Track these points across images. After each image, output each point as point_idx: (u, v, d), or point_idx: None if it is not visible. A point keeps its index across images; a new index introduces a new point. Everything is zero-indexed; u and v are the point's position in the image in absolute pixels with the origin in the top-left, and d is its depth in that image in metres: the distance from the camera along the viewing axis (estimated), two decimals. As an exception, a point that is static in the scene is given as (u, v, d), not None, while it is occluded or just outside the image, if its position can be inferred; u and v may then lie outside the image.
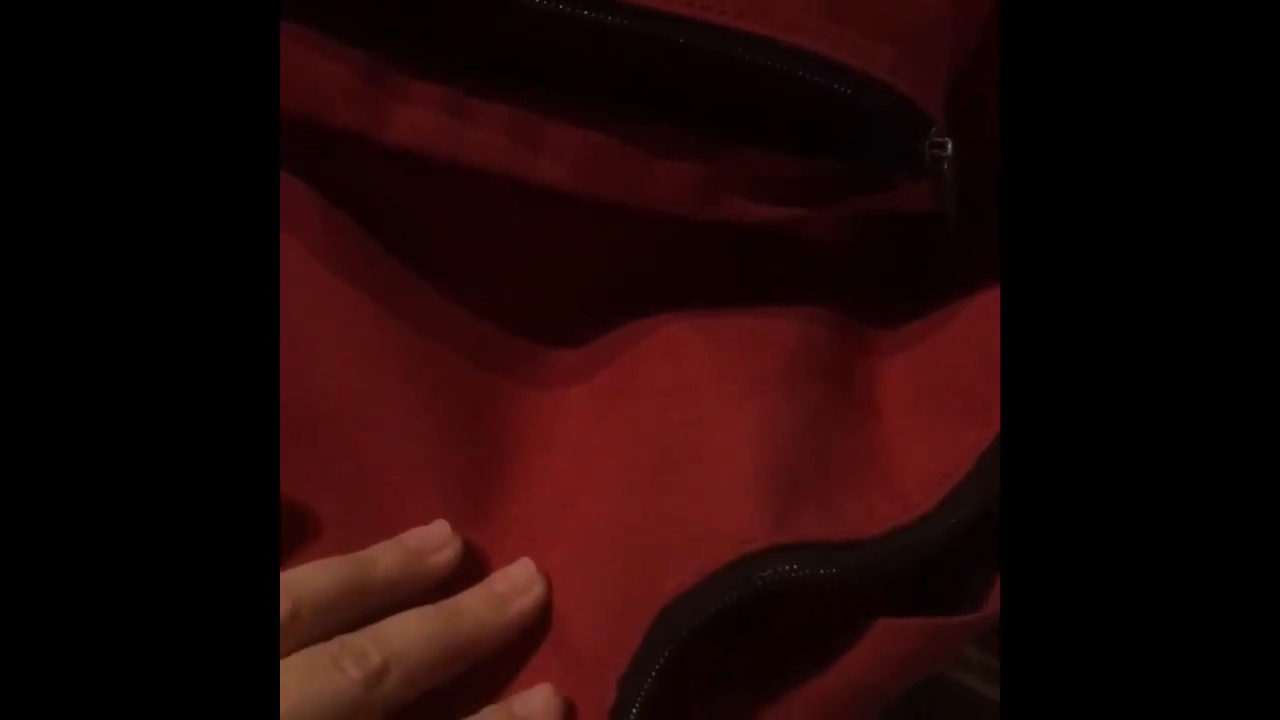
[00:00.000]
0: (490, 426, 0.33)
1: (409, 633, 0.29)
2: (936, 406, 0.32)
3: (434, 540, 0.31)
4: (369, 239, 0.33)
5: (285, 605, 0.28)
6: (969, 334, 0.33)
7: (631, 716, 0.27)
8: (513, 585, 0.31)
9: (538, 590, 0.31)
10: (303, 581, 0.29)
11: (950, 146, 0.30)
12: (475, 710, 0.29)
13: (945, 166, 0.31)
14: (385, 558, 0.30)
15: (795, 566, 0.28)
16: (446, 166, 0.31)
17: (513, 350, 0.34)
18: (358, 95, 0.31)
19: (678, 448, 0.31)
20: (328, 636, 0.28)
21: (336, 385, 0.32)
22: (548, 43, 0.30)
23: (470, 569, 0.31)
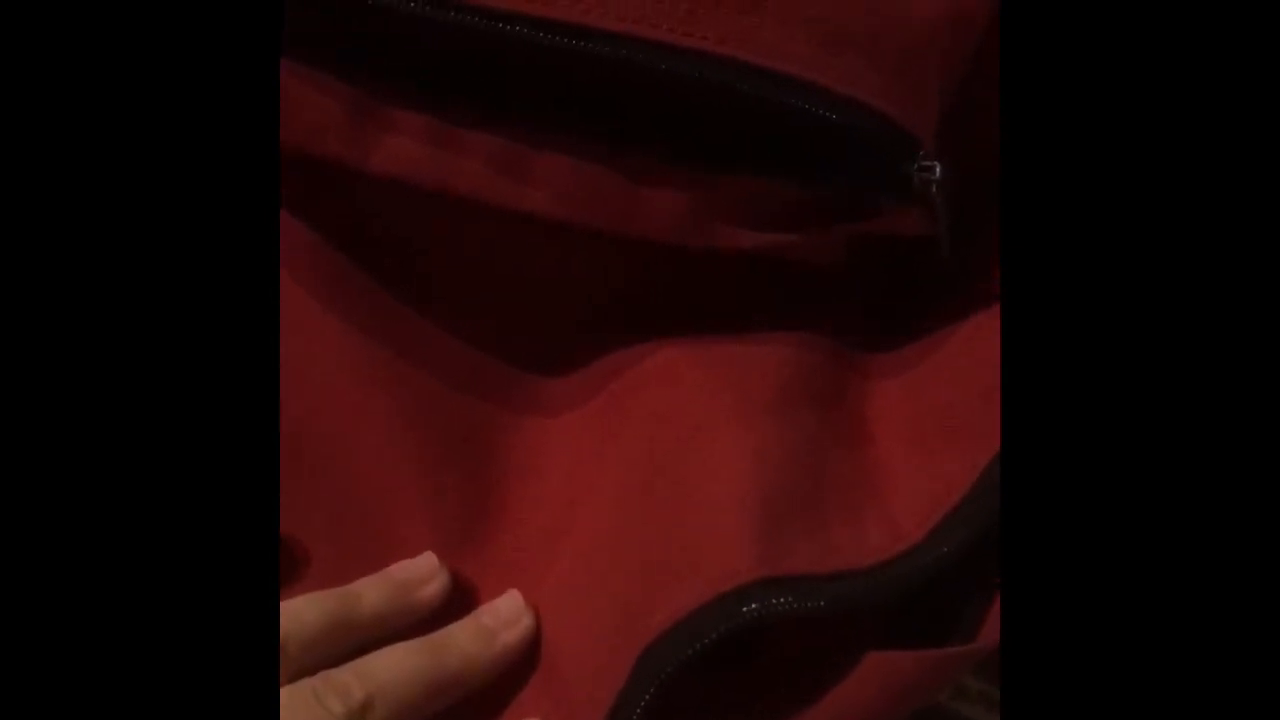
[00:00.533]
0: (482, 455, 0.33)
1: (394, 667, 0.28)
2: (930, 432, 0.32)
3: (421, 573, 0.31)
4: (359, 269, 0.33)
5: None
6: (963, 358, 0.33)
7: None
8: (500, 619, 0.30)
9: (525, 624, 0.30)
10: (288, 616, 0.28)
11: (939, 169, 0.30)
12: None
13: (934, 190, 0.30)
14: (371, 592, 0.30)
15: (783, 600, 0.27)
16: (434, 195, 0.31)
17: (505, 378, 0.34)
18: (344, 126, 0.31)
19: (669, 476, 0.31)
20: (313, 671, 0.28)
21: (326, 415, 0.32)
22: (533, 72, 0.30)
23: (460, 598, 0.31)
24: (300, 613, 0.29)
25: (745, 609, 0.27)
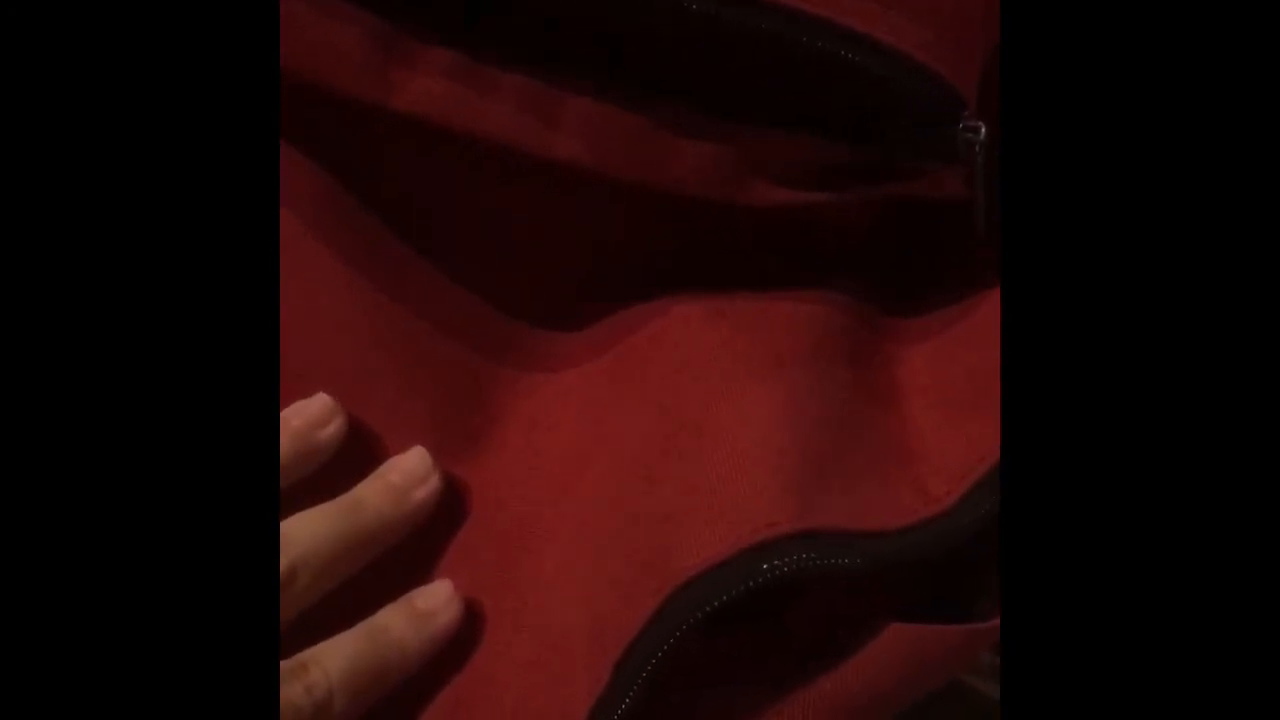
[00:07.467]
0: (490, 409, 0.33)
1: (313, 534, 0.29)
2: (960, 397, 0.31)
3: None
4: (368, 214, 0.32)
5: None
6: (991, 324, 0.32)
7: (628, 699, 0.26)
8: (409, 476, 0.31)
9: (434, 480, 0.31)
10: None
11: (984, 130, 0.29)
12: None
13: (978, 150, 0.30)
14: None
15: (818, 555, 0.27)
16: (456, 138, 0.30)
17: (516, 331, 0.33)
18: (366, 60, 0.30)
19: (695, 425, 0.30)
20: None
21: (326, 367, 0.31)
22: (571, 11, 0.29)
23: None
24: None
25: (780, 560, 0.26)
